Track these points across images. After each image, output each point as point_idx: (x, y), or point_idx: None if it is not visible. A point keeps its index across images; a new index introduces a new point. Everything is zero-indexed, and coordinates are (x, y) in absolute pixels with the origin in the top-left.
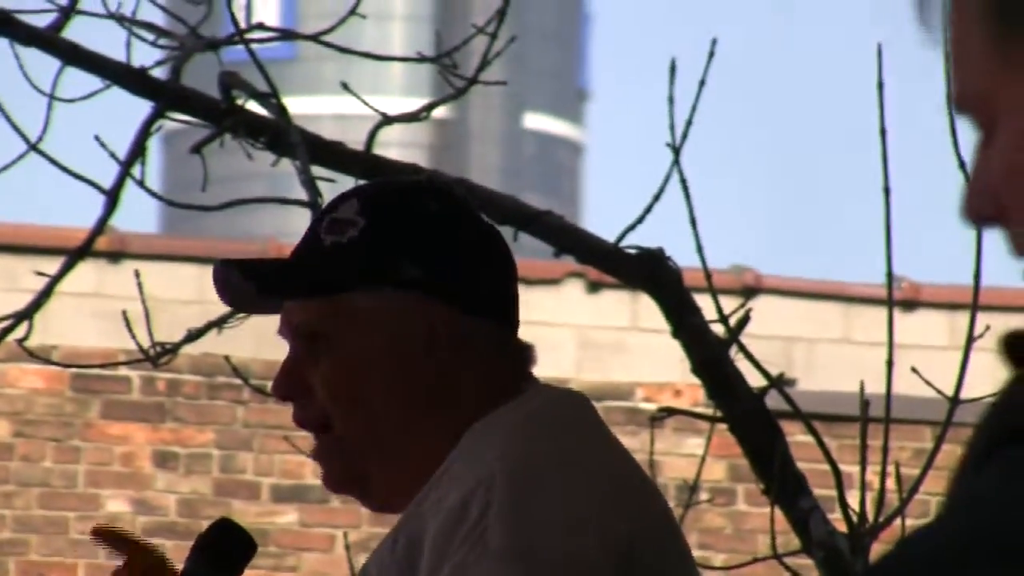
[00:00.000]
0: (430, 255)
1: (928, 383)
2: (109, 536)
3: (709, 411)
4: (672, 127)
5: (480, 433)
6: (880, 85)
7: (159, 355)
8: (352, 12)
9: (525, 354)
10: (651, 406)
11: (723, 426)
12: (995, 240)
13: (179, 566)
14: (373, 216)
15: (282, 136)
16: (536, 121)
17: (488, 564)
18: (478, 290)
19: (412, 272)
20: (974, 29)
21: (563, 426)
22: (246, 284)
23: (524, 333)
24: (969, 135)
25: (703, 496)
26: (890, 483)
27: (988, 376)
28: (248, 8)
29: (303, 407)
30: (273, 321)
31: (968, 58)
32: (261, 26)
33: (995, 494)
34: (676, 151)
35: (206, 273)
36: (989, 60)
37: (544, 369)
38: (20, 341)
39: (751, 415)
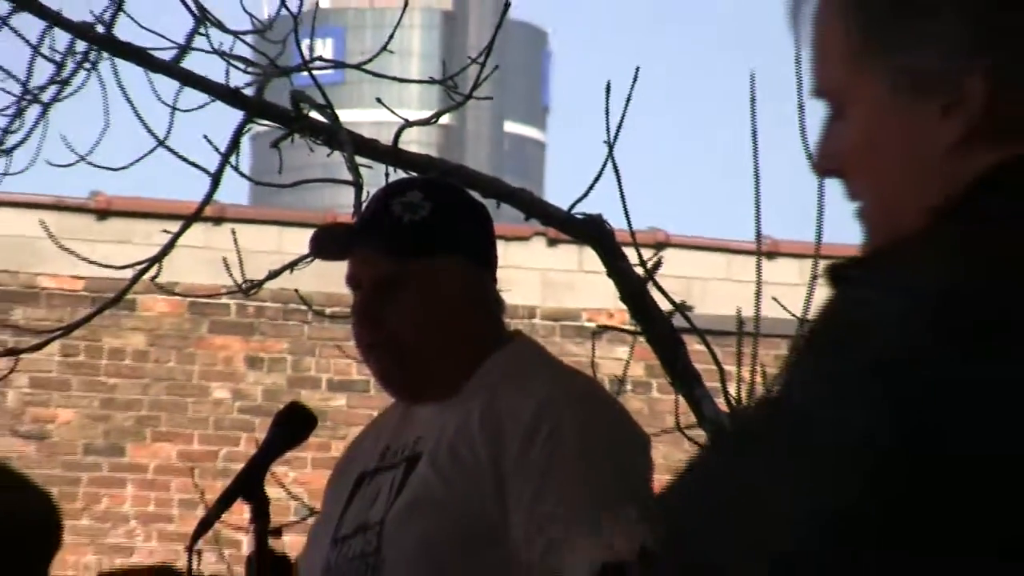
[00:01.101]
0: (477, 233)
1: (785, 308)
2: None
3: (633, 328)
4: (608, 130)
5: (514, 359)
6: (752, 100)
7: (249, 288)
8: (383, 49)
9: (503, 303)
10: (592, 324)
11: (642, 338)
12: (834, 208)
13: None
14: (436, 203)
15: (335, 136)
16: (512, 127)
17: (575, 463)
18: (493, 258)
19: (466, 245)
20: (836, 40)
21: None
22: (355, 242)
23: (504, 275)
24: (817, 119)
25: (628, 387)
26: (758, 378)
27: (824, 299)
28: (311, 46)
29: (375, 332)
30: (330, 265)
31: (829, 60)
32: (320, 59)
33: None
34: (611, 147)
35: (283, 232)
36: (845, 64)
37: (518, 299)
38: (153, 279)
39: (662, 331)
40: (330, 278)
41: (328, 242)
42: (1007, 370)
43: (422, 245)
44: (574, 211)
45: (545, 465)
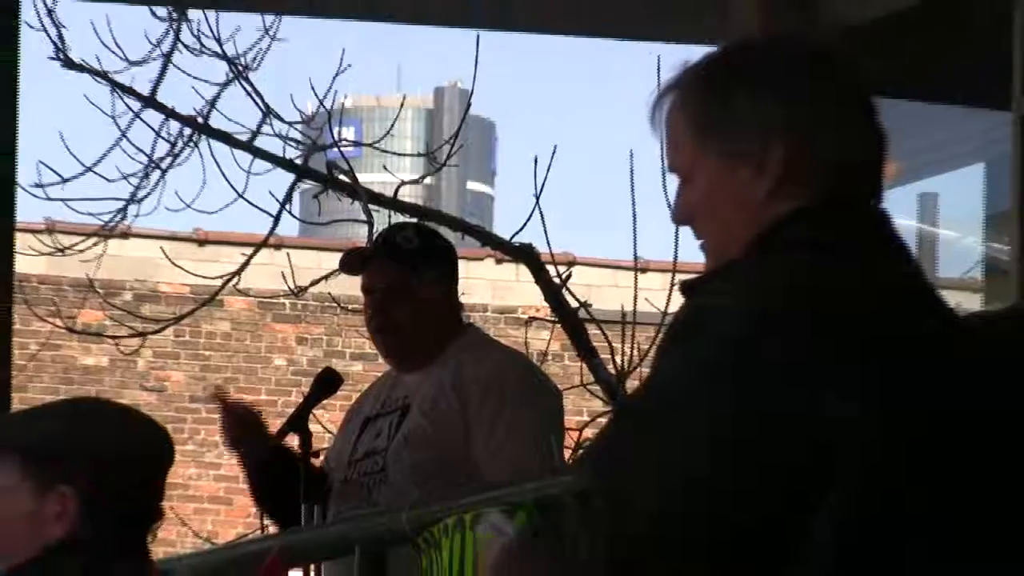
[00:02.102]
0: (448, 259)
1: (653, 305)
2: (221, 399)
3: (552, 318)
4: (535, 186)
5: (471, 342)
6: (631, 171)
7: (298, 292)
8: (387, 134)
9: (463, 304)
10: (525, 316)
11: (559, 326)
12: (686, 237)
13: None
14: (423, 238)
15: (355, 191)
16: (472, 185)
17: (515, 409)
18: (457, 273)
19: (444, 266)
20: (680, 133)
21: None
22: (378, 258)
23: (465, 283)
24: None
25: (549, 358)
26: (635, 352)
27: (679, 304)
28: (339, 131)
29: (383, 321)
30: (349, 279)
31: (678, 146)
32: (345, 140)
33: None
34: (537, 198)
35: (321, 254)
36: (688, 148)
37: (475, 300)
38: (235, 286)
39: (572, 320)
40: (351, 285)
41: (351, 262)
42: (803, 354)
43: (415, 264)
44: (513, 240)
45: (496, 413)
